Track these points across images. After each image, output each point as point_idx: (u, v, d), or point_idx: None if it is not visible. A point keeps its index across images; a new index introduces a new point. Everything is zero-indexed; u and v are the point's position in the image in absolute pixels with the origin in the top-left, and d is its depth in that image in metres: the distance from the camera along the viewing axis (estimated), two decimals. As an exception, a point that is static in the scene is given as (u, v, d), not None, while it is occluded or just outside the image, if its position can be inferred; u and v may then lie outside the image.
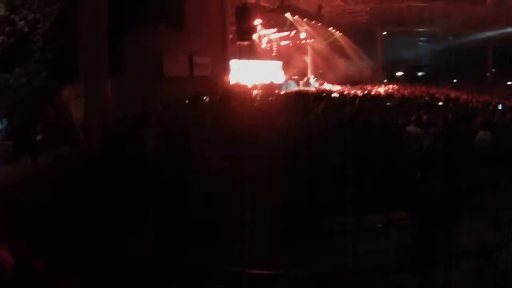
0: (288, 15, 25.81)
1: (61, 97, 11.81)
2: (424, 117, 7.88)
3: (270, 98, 15.89)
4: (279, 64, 31.52)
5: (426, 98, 15.30)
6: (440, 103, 12.93)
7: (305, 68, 34.20)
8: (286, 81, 29.82)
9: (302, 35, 29.52)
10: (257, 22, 23.12)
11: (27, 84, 12.09)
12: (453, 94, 19.38)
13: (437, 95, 17.14)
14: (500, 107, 11.45)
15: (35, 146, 8.93)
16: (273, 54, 30.72)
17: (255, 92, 20.11)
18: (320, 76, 33.13)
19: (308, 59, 34.31)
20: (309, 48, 33.37)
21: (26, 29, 12.44)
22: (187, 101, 13.25)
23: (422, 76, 39.27)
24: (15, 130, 9.51)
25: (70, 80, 11.78)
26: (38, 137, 9.47)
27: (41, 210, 5.29)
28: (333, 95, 17.46)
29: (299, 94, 17.20)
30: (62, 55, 11.90)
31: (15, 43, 11.94)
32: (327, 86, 28.45)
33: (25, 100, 11.62)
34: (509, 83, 31.35)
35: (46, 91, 11.77)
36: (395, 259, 4.72)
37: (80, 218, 5.06)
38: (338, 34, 32.01)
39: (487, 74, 36.24)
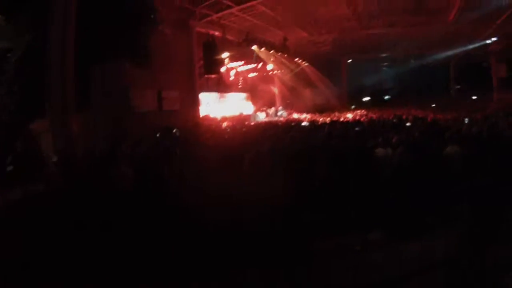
0: (254, 47, 26.21)
1: (29, 131, 11.55)
2: (394, 139, 8.01)
3: (240, 130, 15.92)
4: (247, 95, 31.85)
5: (394, 120, 15.59)
6: (408, 124, 13.18)
7: (273, 98, 34.60)
8: (255, 112, 30.07)
9: (269, 66, 29.92)
10: (225, 55, 23.39)
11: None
12: (420, 113, 19.86)
13: (404, 116, 17.51)
14: (466, 121, 11.76)
15: (3, 180, 8.66)
16: (241, 86, 30.99)
17: (224, 124, 20.16)
18: (288, 106, 33.59)
19: (275, 90, 34.76)
20: (276, 79, 33.85)
21: (-4, 56, 12.22)
22: (157, 135, 13.15)
23: (388, 99, 40.31)
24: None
25: (38, 115, 11.55)
26: (7, 170, 9.20)
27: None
28: (302, 123, 17.63)
29: (268, 125, 17.31)
30: (30, 89, 11.71)
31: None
32: (295, 116, 28.78)
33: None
34: (473, 97, 32.43)
35: (14, 125, 11.50)
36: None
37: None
38: (304, 64, 32.60)
39: (451, 90, 37.43)
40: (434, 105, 28.59)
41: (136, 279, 4.40)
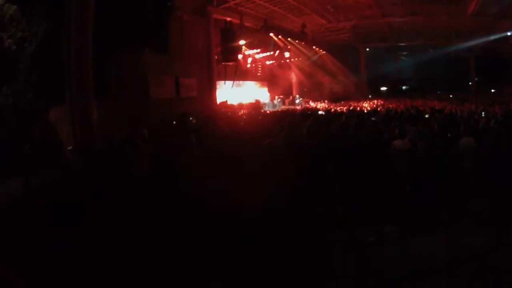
0: (272, 35, 26.09)
1: (48, 118, 11.72)
2: (411, 131, 7.94)
3: (256, 117, 15.91)
4: (264, 83, 31.79)
5: (412, 111, 15.42)
6: (426, 115, 13.04)
7: (290, 86, 34.47)
8: (271, 100, 30.02)
9: (286, 54, 29.80)
10: (242, 42, 23.33)
11: (13, 104, 12.01)
12: (437, 105, 19.59)
13: (422, 108, 17.30)
14: (483, 114, 11.59)
15: (22, 167, 8.81)
16: (258, 73, 30.94)
17: (241, 111, 20.19)
18: (305, 94, 33.42)
19: (293, 78, 34.60)
20: (293, 67, 33.68)
21: (14, 47, 12.41)
22: (174, 122, 13.23)
23: (406, 89, 39.81)
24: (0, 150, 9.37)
25: (56, 102, 11.71)
26: (25, 157, 9.35)
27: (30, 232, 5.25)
28: (319, 112, 17.55)
29: (285, 113, 17.26)
30: (48, 77, 11.86)
31: (2, 62, 11.88)
32: (312, 104, 28.66)
33: (11, 120, 11.52)
34: (492, 90, 31.79)
35: (32, 112, 11.68)
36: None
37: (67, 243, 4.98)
38: (322, 52, 32.36)
39: (470, 83, 36.73)
40: (452, 96, 28.17)
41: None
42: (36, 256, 4.64)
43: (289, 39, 27.97)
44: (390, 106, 20.85)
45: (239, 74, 26.15)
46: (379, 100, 27.57)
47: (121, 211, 5.55)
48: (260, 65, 30.70)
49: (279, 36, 26.84)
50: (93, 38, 10.51)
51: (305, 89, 34.67)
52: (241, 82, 27.96)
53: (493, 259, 4.63)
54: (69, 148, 10.27)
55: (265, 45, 27.17)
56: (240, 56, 24.64)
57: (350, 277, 4.51)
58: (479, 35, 29.54)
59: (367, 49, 37.32)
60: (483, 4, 22.27)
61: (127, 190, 6.27)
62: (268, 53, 28.47)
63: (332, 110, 19.56)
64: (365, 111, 16.94)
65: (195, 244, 4.84)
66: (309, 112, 16.74)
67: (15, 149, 9.56)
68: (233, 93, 25.75)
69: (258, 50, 27.55)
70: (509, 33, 27.94)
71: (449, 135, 8.16)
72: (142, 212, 5.53)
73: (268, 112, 20.97)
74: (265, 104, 27.45)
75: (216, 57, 22.60)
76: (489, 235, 5.08)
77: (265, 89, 32.05)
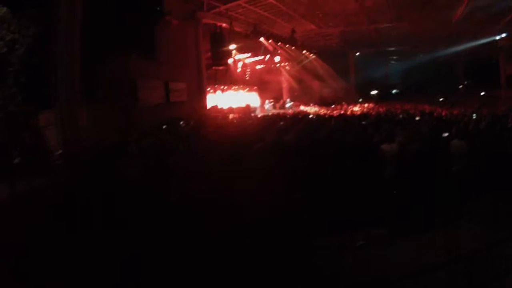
0: (262, 39, 26.14)
1: (37, 123, 11.61)
2: (399, 135, 7.96)
3: (246, 122, 15.89)
4: (254, 87, 31.83)
5: (401, 115, 15.50)
6: (417, 118, 13.11)
7: (280, 91, 34.58)
8: (262, 104, 30.06)
9: (277, 58, 29.88)
10: (232, 47, 23.34)
11: (1, 108, 11.91)
12: (427, 108, 19.74)
13: (412, 111, 17.41)
14: (474, 116, 11.66)
15: (10, 172, 8.71)
16: (248, 78, 30.98)
17: (231, 116, 20.17)
18: (295, 99, 33.52)
19: (283, 82, 34.70)
20: (283, 71, 33.78)
21: (4, 49, 12.32)
22: (164, 127, 13.16)
23: (396, 93, 40.11)
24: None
25: (45, 106, 11.61)
26: (13, 162, 9.25)
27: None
28: (309, 116, 17.58)
29: (275, 117, 17.26)
30: (38, 81, 11.77)
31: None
32: (303, 108, 28.73)
33: (0, 124, 11.42)
34: (481, 93, 32.10)
35: (21, 117, 11.58)
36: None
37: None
38: (311, 56, 32.49)
39: (460, 86, 37.08)
40: (441, 100, 28.39)
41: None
42: (23, 261, 4.58)
43: (279, 43, 28.04)
44: (380, 110, 20.96)
45: (230, 78, 26.18)
46: (369, 104, 27.73)
47: (107, 218, 5.49)
48: (250, 69, 30.75)
49: (270, 41, 26.90)
50: (82, 43, 10.45)
51: (296, 93, 34.80)
52: (231, 86, 27.98)
53: (485, 260, 4.65)
54: (58, 152, 10.18)
55: (256, 49, 27.20)
56: (230, 61, 24.66)
57: (342, 281, 4.50)
58: (466, 40, 29.86)
59: (357, 54, 37.57)
60: (469, 11, 22.50)
61: (115, 197, 6.19)
62: (258, 58, 28.52)
63: (322, 114, 19.62)
64: (355, 115, 17.00)
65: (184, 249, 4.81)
66: (299, 117, 16.76)
67: (3, 154, 9.46)
68: (224, 98, 25.72)
69: (249, 55, 27.58)
70: (496, 37, 28.30)
71: (439, 138, 8.19)
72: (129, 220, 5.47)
73: (258, 116, 20.96)
74: (255, 108, 27.46)
75: (206, 62, 22.58)
76: (481, 236, 5.10)
77: (256, 94, 32.09)
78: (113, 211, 5.60)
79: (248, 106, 26.13)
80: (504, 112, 13.89)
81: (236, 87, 29.12)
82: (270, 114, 23.39)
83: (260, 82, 32.51)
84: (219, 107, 23.77)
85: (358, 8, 24.12)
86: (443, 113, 15.27)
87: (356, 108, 23.81)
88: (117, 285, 4.39)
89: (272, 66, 31.39)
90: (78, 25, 10.07)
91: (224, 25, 22.33)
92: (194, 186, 5.70)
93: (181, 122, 14.67)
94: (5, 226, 5.86)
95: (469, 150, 7.04)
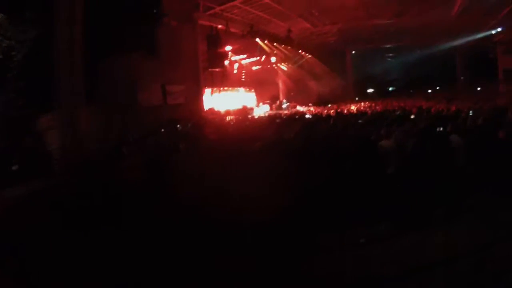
0: (258, 40, 26.15)
1: (37, 127, 11.62)
2: (399, 131, 7.96)
3: (243, 123, 15.90)
4: (251, 88, 31.85)
5: (399, 112, 15.48)
6: (412, 116, 13.09)
7: (277, 91, 34.62)
8: (258, 105, 30.07)
9: (273, 59, 29.91)
10: (228, 48, 23.35)
11: (2, 113, 11.91)
12: (424, 105, 19.71)
13: (408, 108, 17.39)
14: (471, 113, 11.62)
15: (11, 176, 8.75)
16: (245, 79, 31.00)
17: (228, 117, 20.17)
18: (292, 99, 33.52)
19: (279, 82, 34.72)
20: (280, 71, 33.80)
21: (1, 56, 12.32)
22: (162, 130, 13.18)
23: (393, 90, 40.10)
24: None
25: (45, 110, 11.62)
26: (14, 167, 9.28)
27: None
28: (306, 116, 17.59)
29: (272, 118, 17.27)
30: (37, 85, 11.78)
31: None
32: (300, 108, 28.73)
33: (1, 130, 11.43)
34: (478, 88, 32.06)
35: (22, 121, 11.59)
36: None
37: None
38: (308, 56, 32.50)
39: (457, 81, 37.05)
40: (439, 96, 28.36)
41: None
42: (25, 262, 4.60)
43: (275, 44, 28.07)
44: (377, 107, 20.95)
45: (226, 80, 26.19)
46: (366, 102, 27.72)
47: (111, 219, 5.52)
48: (246, 70, 30.77)
49: (266, 41, 26.92)
50: (82, 44, 10.46)
51: (292, 93, 34.79)
52: (228, 87, 27.98)
53: (488, 255, 4.65)
54: (59, 156, 10.19)
55: (252, 50, 27.24)
56: (226, 62, 24.67)
57: (347, 277, 4.51)
58: (464, 34, 29.87)
59: (353, 52, 37.59)
60: (467, 5, 22.52)
61: (116, 199, 6.21)
62: (254, 59, 28.55)
63: (319, 113, 19.61)
64: (352, 114, 16.99)
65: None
66: (297, 117, 16.76)
67: (5, 159, 9.48)
68: (220, 100, 25.73)
69: (245, 56, 27.62)
70: (493, 31, 28.31)
71: (436, 134, 8.19)
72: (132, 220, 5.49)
73: (255, 117, 20.97)
74: (252, 109, 27.49)
75: (203, 64, 22.59)
76: (484, 231, 5.12)
77: (252, 95, 32.12)
78: (113, 212, 5.63)
79: (245, 108, 26.13)
80: (505, 105, 13.83)
81: (233, 88, 29.12)
82: (266, 115, 23.40)
83: (256, 83, 32.53)
84: (216, 109, 23.77)
85: (358, 3, 24.10)
86: (440, 109, 15.23)
87: (353, 107, 23.76)
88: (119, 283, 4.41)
89: (268, 66, 31.43)
90: (78, 27, 10.09)
91: (220, 26, 22.36)
92: (194, 186, 5.72)
93: (178, 126, 14.68)
94: (8, 228, 5.90)
95: (467, 146, 7.04)
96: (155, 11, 17.52)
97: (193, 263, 4.63)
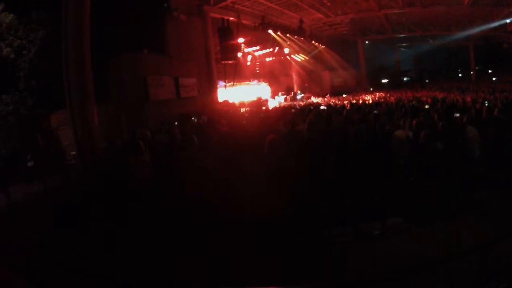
0: (270, 31, 26.04)
1: (49, 125, 11.77)
2: (414, 121, 7.88)
3: (257, 115, 15.86)
4: (264, 80, 31.77)
5: (413, 102, 15.34)
6: (427, 106, 12.97)
7: (291, 82, 34.48)
8: (272, 96, 30.00)
9: (286, 50, 29.76)
10: (240, 40, 23.29)
11: (14, 112, 12.11)
12: (439, 95, 19.50)
13: (423, 98, 17.23)
14: (486, 103, 11.45)
15: (25, 174, 8.89)
16: (258, 70, 30.92)
17: (242, 109, 20.17)
18: (306, 90, 33.38)
19: (293, 74, 34.57)
20: (293, 62, 33.65)
21: (12, 55, 12.51)
22: (175, 123, 13.21)
23: (407, 81, 39.70)
24: (4, 157, 9.46)
25: (57, 107, 11.76)
26: (30, 164, 9.42)
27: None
28: (321, 107, 17.49)
29: (286, 109, 17.22)
30: (48, 83, 11.92)
31: (1, 70, 11.96)
32: (314, 99, 28.61)
33: (13, 128, 11.62)
34: (493, 78, 31.55)
35: (33, 119, 11.76)
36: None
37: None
38: (321, 46, 32.29)
39: (471, 72, 36.50)
40: (453, 86, 28.02)
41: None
42: (36, 259, 4.66)
43: (287, 35, 27.92)
44: (392, 98, 20.77)
45: (239, 72, 26.15)
46: (381, 93, 27.51)
47: (121, 216, 5.57)
48: (260, 62, 30.68)
49: (278, 33, 26.80)
50: (91, 42, 10.50)
51: (306, 85, 34.66)
52: (242, 79, 27.95)
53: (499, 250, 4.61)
54: (72, 153, 10.29)
55: (264, 42, 27.13)
56: (239, 54, 24.62)
57: (356, 270, 4.51)
58: (477, 23, 29.33)
59: (366, 42, 37.24)
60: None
61: (128, 195, 6.25)
62: (267, 50, 28.44)
63: (333, 104, 19.49)
64: (367, 104, 16.86)
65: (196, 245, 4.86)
66: (311, 108, 16.68)
67: (18, 157, 9.62)
68: (234, 92, 25.73)
69: (258, 48, 27.52)
70: (507, 21, 27.71)
71: (451, 125, 8.09)
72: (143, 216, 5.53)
73: (269, 109, 20.94)
74: (267, 100, 27.44)
75: (215, 56, 22.59)
76: (496, 226, 5.06)
77: (266, 86, 32.04)
78: (125, 208, 5.68)
79: (259, 99, 26.11)
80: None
81: (246, 80, 29.08)
82: (281, 106, 23.34)
83: (270, 75, 32.43)
84: (230, 101, 23.77)
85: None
86: (455, 99, 15.05)
87: (368, 97, 23.58)
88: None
89: (282, 58, 31.30)
90: (87, 24, 10.10)
91: (231, 19, 22.29)
92: (208, 180, 5.74)
93: (193, 118, 14.71)
94: (20, 225, 5.99)
95: (483, 137, 6.94)
96: (165, 5, 17.55)
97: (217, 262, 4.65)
